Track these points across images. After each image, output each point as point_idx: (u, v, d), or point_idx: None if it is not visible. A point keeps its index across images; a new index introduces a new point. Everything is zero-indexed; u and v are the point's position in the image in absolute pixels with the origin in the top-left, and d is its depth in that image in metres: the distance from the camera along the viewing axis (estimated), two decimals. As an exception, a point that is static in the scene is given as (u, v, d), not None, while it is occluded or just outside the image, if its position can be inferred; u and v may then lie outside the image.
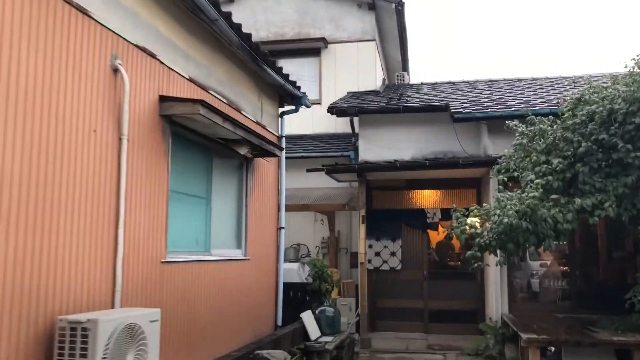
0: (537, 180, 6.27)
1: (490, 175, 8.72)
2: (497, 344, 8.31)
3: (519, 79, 13.59)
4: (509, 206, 6.07)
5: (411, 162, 9.52)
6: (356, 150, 10.88)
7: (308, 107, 8.58)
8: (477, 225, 6.89)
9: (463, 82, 13.84)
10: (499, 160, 7.61)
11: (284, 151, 8.02)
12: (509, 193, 6.43)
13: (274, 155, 7.05)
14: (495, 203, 6.41)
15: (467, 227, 6.89)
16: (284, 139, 8.16)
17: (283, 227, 8.04)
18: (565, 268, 10.66)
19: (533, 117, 7.46)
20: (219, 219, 6.35)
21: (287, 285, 8.66)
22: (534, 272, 11.40)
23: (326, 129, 12.51)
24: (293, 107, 8.29)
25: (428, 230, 10.75)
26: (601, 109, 6.59)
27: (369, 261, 10.33)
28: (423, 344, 9.56)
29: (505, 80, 13.65)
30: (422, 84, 14.21)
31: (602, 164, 6.51)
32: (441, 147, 10.09)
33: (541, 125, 7.15)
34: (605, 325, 6.95)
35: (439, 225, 10.13)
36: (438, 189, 10.54)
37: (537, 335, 6.32)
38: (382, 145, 10.40)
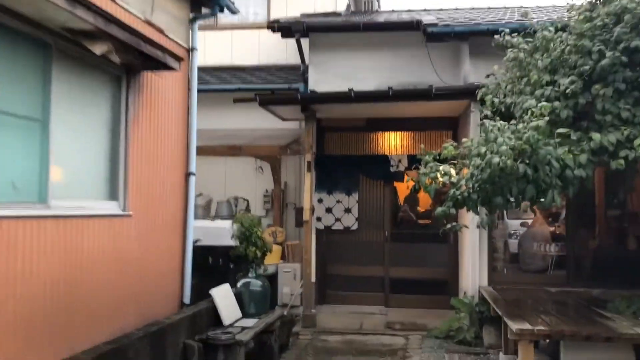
0: (543, 103, 4.29)
1: (471, 108, 6.73)
2: (472, 325, 6.51)
3: (506, 7, 11.50)
4: (500, 139, 4.10)
5: (370, 92, 7.40)
6: (306, 81, 8.75)
7: (233, 12, 6.37)
8: (453, 172, 4.99)
9: (441, 9, 11.65)
10: (485, 82, 5.60)
11: (193, 65, 5.90)
12: (500, 122, 4.45)
13: (168, 67, 4.90)
14: (481, 137, 4.43)
15: (439, 175, 5.02)
16: (196, 52, 5.98)
17: (193, 174, 5.97)
18: (552, 229, 8.89)
19: (533, 24, 5.43)
20: (70, 154, 4.25)
21: (205, 250, 6.70)
22: (513, 232, 9.63)
23: (276, 59, 10.25)
24: (208, 11, 6.08)
25: (396, 183, 8.79)
26: (634, 4, 4.60)
27: (319, 219, 8.37)
28: (382, 321, 7.74)
29: (489, 8, 11.55)
30: (393, 11, 11.97)
31: (631, 85, 4.59)
32: (412, 78, 8.02)
33: (545, 33, 5.12)
34: (618, 308, 5.14)
35: (405, 175, 8.16)
36: (405, 130, 8.50)
37: (531, 325, 4.47)
38: (338, 75, 8.27)
